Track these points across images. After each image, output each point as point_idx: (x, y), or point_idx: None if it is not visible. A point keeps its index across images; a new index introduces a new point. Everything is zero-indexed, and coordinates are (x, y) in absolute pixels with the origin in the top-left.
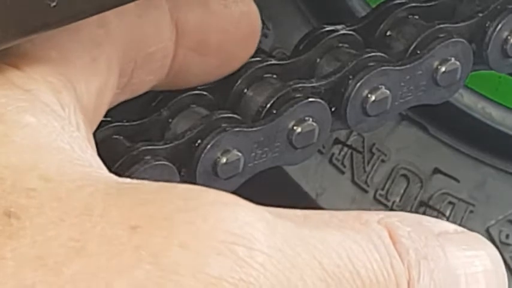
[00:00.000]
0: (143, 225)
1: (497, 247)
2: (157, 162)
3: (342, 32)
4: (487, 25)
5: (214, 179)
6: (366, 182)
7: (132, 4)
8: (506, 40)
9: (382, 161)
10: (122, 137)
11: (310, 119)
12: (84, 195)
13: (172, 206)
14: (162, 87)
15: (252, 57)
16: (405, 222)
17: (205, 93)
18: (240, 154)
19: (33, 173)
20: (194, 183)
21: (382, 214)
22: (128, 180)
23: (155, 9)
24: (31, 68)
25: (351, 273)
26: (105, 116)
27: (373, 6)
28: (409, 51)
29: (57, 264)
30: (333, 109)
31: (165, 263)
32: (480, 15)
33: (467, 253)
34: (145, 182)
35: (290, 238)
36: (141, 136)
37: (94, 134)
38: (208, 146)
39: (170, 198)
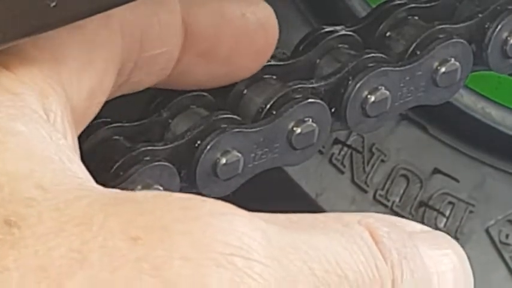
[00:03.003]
0: (143, 237)
1: (497, 247)
2: (157, 163)
3: (341, 32)
4: (486, 26)
5: (214, 179)
6: (365, 182)
7: (142, 5)
8: (506, 41)
9: (382, 161)
10: (121, 138)
11: (310, 120)
12: (82, 206)
13: (170, 216)
14: (162, 86)
15: None
16: (382, 222)
17: (205, 93)
18: (239, 155)
19: (29, 182)
20: (194, 183)
21: (359, 215)
22: (119, 190)
23: (166, 12)
24: (21, 70)
25: (339, 277)
26: (105, 117)
27: (373, 6)
28: (409, 51)
29: (60, 276)
30: (332, 110)
31: (166, 276)
32: (480, 15)
33: (437, 252)
34: (139, 191)
35: (284, 246)
36: (141, 137)
37: (93, 135)
38: (208, 147)
39: (168, 208)
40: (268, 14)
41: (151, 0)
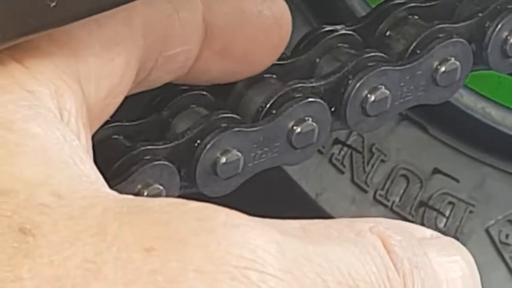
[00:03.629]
0: (158, 248)
1: (497, 247)
2: (157, 162)
3: (341, 32)
4: (486, 25)
5: (214, 178)
6: (365, 182)
7: (164, 2)
8: (506, 40)
9: (382, 161)
10: (121, 137)
11: (310, 119)
12: (96, 214)
13: (185, 227)
14: (177, 81)
15: None
16: (394, 230)
17: (205, 93)
18: (239, 154)
19: (45, 188)
20: (194, 183)
21: (371, 222)
22: (133, 197)
23: (188, 10)
24: (36, 66)
25: None
26: None
27: (373, 6)
28: (409, 51)
29: (74, 287)
30: (332, 109)
31: None
32: (480, 15)
33: (447, 259)
34: (153, 199)
35: (298, 258)
36: (140, 136)
37: (93, 134)
38: (208, 146)
39: (183, 218)
40: (283, 10)
41: None
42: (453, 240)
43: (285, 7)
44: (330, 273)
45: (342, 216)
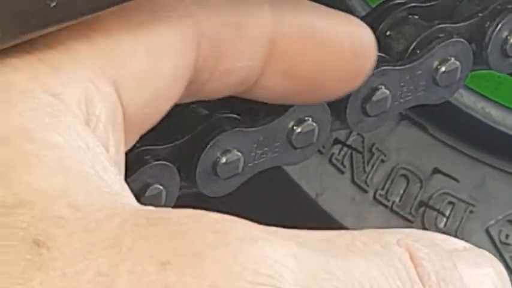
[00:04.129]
0: (173, 262)
1: (497, 247)
2: (157, 162)
3: None
4: (486, 25)
5: (214, 178)
6: (365, 182)
7: (231, 15)
8: (506, 40)
9: (382, 161)
10: None
11: (310, 119)
12: (112, 226)
13: (202, 240)
14: (241, 96)
15: None
16: (422, 242)
17: None
18: (239, 154)
19: (62, 201)
20: (194, 183)
21: (400, 234)
22: (153, 208)
23: (254, 26)
24: (66, 68)
25: None
26: None
27: (373, 6)
28: (409, 51)
29: None
30: (332, 109)
31: None
32: (480, 15)
33: (478, 271)
34: (173, 210)
35: (316, 272)
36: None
37: None
38: (208, 146)
39: (200, 231)
40: (365, 39)
41: (240, 11)
42: (485, 251)
43: (369, 37)
44: (350, 287)
45: (342, 216)
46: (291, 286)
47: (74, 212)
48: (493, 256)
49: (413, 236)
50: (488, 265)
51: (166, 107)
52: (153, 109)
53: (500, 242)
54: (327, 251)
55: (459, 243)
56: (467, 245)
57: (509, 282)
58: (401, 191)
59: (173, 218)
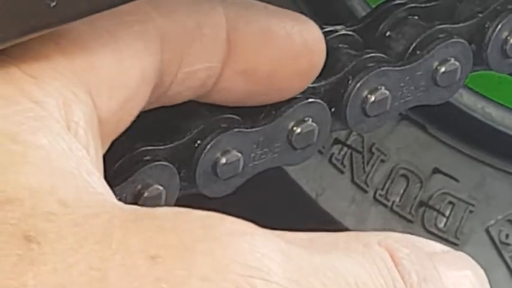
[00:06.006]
0: (163, 255)
1: (497, 247)
2: (157, 163)
3: (341, 32)
4: (486, 25)
5: (214, 179)
6: (365, 182)
7: (188, 18)
8: (506, 40)
9: (382, 161)
10: (122, 137)
11: (310, 120)
12: (101, 222)
13: (191, 235)
14: (201, 100)
15: None
16: (402, 243)
17: None
18: (239, 154)
19: (52, 197)
20: (194, 183)
21: (380, 235)
22: (139, 207)
23: (211, 26)
24: (43, 75)
25: None
26: None
27: (373, 6)
28: (409, 51)
29: None
30: (332, 109)
31: None
32: (480, 15)
33: (457, 273)
34: (159, 208)
35: (303, 267)
36: (140, 136)
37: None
38: (208, 147)
39: (188, 226)
40: (315, 36)
41: (196, 14)
42: (464, 254)
43: (319, 34)
44: (335, 283)
45: (342, 216)
46: (280, 279)
47: (63, 208)
48: (471, 259)
49: (393, 238)
50: (467, 267)
51: (135, 111)
52: (124, 114)
53: (500, 242)
54: (311, 248)
55: (438, 246)
56: (446, 248)
57: (487, 284)
58: (401, 191)
59: (160, 214)
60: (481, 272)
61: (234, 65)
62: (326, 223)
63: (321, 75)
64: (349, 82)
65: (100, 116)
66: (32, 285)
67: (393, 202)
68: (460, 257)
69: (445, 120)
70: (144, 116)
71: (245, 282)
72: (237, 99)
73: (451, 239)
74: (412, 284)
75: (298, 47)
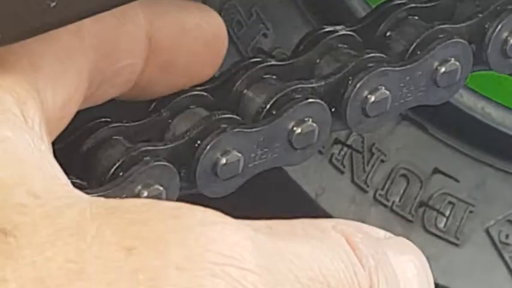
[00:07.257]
0: (138, 247)
1: (497, 247)
2: (157, 163)
3: (341, 32)
4: (486, 26)
5: (214, 179)
6: (365, 182)
7: (109, 16)
8: (506, 41)
9: (382, 161)
10: (121, 138)
11: (310, 120)
12: (73, 214)
13: (163, 225)
14: (122, 98)
15: (252, 57)
16: (353, 228)
17: (205, 93)
18: (240, 155)
19: (21, 188)
20: (194, 183)
21: (332, 221)
22: (106, 199)
23: (131, 24)
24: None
25: (322, 284)
26: (105, 117)
27: (373, 6)
28: (409, 51)
29: None
30: (332, 110)
31: (163, 287)
32: (480, 15)
33: (402, 258)
34: (127, 200)
35: (272, 254)
36: (141, 137)
37: (93, 135)
38: (208, 147)
39: (160, 217)
40: (219, 22)
41: (116, 12)
42: (406, 240)
43: (220, 20)
44: (301, 269)
45: (341, 216)
46: (253, 266)
47: (34, 199)
48: (412, 244)
49: (343, 223)
50: (411, 252)
51: (74, 110)
52: (66, 113)
53: (500, 242)
54: (274, 235)
55: (381, 232)
56: (388, 234)
57: (429, 269)
58: (401, 191)
59: (130, 206)
60: (423, 256)
61: (155, 60)
62: None
63: (321, 75)
64: (349, 82)
65: (46, 113)
66: (11, 279)
67: (393, 202)
68: (403, 242)
69: (445, 120)
70: (144, 116)
71: (220, 271)
72: (155, 92)
73: (451, 239)
74: (370, 267)
75: (207, 36)
